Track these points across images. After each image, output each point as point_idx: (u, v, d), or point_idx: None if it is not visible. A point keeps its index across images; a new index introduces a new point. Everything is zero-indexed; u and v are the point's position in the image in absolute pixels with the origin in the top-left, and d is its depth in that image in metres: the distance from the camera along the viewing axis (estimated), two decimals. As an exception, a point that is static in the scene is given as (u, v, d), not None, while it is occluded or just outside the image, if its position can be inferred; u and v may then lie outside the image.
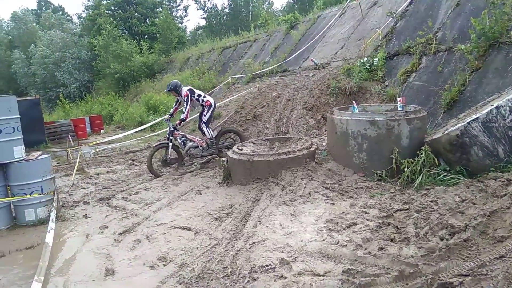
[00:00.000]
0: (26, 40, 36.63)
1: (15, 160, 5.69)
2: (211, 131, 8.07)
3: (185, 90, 7.94)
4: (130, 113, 18.60)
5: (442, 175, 4.99)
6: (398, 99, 6.61)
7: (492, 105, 4.67)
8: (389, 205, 4.70)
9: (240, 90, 11.78)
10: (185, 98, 7.83)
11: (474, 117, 4.70)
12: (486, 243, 3.27)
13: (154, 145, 8.80)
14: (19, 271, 4.23)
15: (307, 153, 6.21)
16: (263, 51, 17.28)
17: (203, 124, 7.98)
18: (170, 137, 8.05)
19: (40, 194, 5.74)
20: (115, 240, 4.81)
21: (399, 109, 6.57)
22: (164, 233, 4.82)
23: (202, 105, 8.05)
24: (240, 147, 6.86)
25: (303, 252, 3.85)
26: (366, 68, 9.58)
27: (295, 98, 9.36)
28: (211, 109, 7.99)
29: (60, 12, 47.13)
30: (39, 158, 5.94)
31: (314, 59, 11.92)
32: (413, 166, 5.38)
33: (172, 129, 8.07)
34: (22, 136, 5.85)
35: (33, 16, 42.53)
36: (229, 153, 6.64)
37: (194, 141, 8.02)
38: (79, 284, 3.78)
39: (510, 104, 4.54)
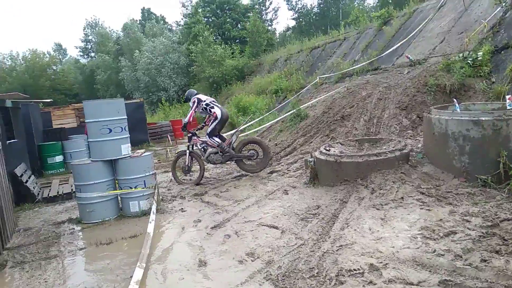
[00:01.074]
0: (132, 48, 40.59)
1: (123, 156, 6.34)
2: (218, 140, 7.92)
3: (193, 98, 8.04)
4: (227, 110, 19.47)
5: None
6: (507, 96, 5.92)
7: None
8: (494, 214, 4.25)
9: (328, 90, 11.60)
10: (191, 104, 8.01)
11: None
12: None
13: (176, 152, 8.96)
14: (123, 257, 4.71)
15: (399, 155, 5.90)
16: (353, 50, 16.79)
17: (207, 135, 7.95)
18: (189, 144, 8.17)
19: (143, 188, 6.32)
20: (207, 233, 5.09)
21: (508, 107, 5.89)
22: (252, 230, 4.97)
23: (210, 115, 7.98)
24: (328, 148, 6.76)
25: (395, 259, 3.66)
26: (469, 63, 8.74)
27: (387, 97, 8.93)
28: (216, 121, 7.83)
29: (162, 22, 51.32)
30: (143, 155, 6.55)
31: (409, 56, 11.24)
32: (526, 172, 4.78)
33: (190, 135, 8.19)
34: (129, 135, 6.50)
35: (139, 26, 47.00)
36: (316, 153, 6.59)
37: (214, 147, 7.93)
38: (175, 272, 4.07)
39: None
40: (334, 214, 5.11)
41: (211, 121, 7.91)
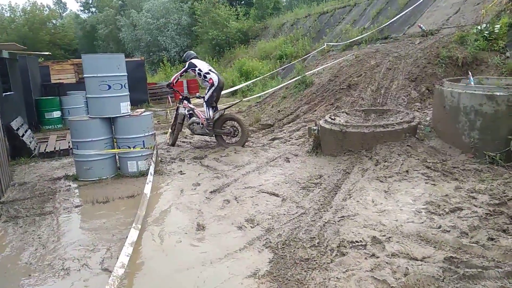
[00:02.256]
0: (136, 5, 39.28)
1: (122, 115, 6.15)
2: (212, 112, 7.53)
3: (188, 61, 7.66)
4: (223, 78, 19.09)
5: None
6: (525, 72, 5.67)
7: None
8: (502, 192, 4.13)
9: (335, 57, 11.24)
10: (183, 68, 7.74)
11: None
12: None
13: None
14: (120, 217, 4.62)
15: (407, 127, 5.71)
16: (363, 17, 16.22)
17: (204, 103, 7.58)
18: (179, 104, 8.02)
19: (142, 148, 6.17)
20: (206, 197, 4.99)
21: (525, 83, 5.66)
22: (252, 196, 4.86)
23: (206, 81, 7.53)
24: (333, 117, 6.57)
25: (398, 233, 3.56)
26: (484, 36, 8.39)
27: (397, 68, 8.63)
28: (213, 88, 7.40)
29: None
30: (142, 114, 6.35)
31: (421, 25, 10.80)
32: (538, 151, 4.63)
33: (182, 98, 8.04)
34: (129, 93, 6.27)
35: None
36: (321, 122, 6.40)
37: (199, 117, 7.67)
38: (173, 235, 3.99)
39: None
40: (337, 184, 5.00)
41: (208, 88, 7.51)
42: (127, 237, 3.58)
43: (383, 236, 3.53)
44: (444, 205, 4.03)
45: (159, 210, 4.72)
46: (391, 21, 13.30)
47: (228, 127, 7.61)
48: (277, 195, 4.83)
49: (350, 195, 4.59)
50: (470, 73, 5.97)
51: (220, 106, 7.86)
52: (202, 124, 7.64)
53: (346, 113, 6.89)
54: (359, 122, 6.33)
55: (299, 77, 9.97)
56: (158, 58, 32.45)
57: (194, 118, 7.80)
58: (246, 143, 7.40)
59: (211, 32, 26.97)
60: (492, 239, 3.22)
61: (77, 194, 5.58)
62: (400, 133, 5.68)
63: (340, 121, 6.31)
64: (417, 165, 5.24)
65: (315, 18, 20.50)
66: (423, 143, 5.71)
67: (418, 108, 7.42)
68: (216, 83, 7.43)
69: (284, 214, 4.23)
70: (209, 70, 7.55)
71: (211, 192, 5.16)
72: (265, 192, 4.97)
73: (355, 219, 3.94)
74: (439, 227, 3.56)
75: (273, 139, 7.71)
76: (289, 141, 7.42)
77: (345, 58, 10.13)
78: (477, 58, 8.23)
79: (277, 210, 4.37)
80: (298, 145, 7.07)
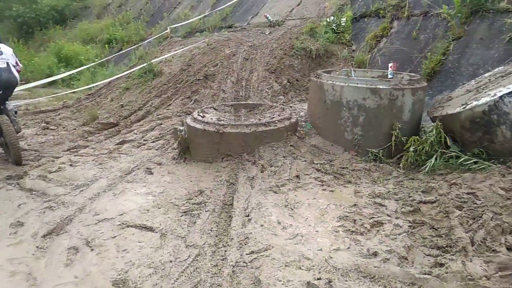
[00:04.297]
0: None
1: None
2: None
3: None
4: (36, 64, 15.46)
5: (461, 159, 4.19)
6: (390, 64, 5.70)
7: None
8: (408, 196, 3.80)
9: (185, 44, 10.03)
10: None
11: (507, 90, 3.92)
12: None
13: None
14: None
15: (289, 125, 5.05)
16: (201, 3, 15.32)
17: None
18: None
19: None
20: (37, 247, 3.25)
21: (389, 76, 5.68)
22: (114, 236, 3.38)
23: None
24: (201, 114, 5.45)
25: (332, 270, 2.76)
26: (333, 28, 8.55)
27: (254, 58, 8.04)
28: None
29: None
30: None
31: (268, 15, 10.57)
32: (419, 146, 4.54)
33: None
34: None
35: None
36: (188, 120, 5.20)
37: None
38: None
39: (552, 78, 3.82)
40: (225, 202, 3.94)
41: None
42: None
43: (317, 279, 2.66)
44: (360, 219, 3.44)
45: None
46: (233, 9, 12.82)
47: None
48: (151, 229, 3.47)
49: (248, 216, 3.60)
50: (351, 66, 5.69)
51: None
52: None
53: (215, 109, 5.86)
54: (232, 120, 5.37)
55: (145, 64, 8.40)
56: None
57: None
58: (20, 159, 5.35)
59: (16, 8, 21.90)
60: (442, 265, 2.70)
61: None
62: (283, 132, 4.99)
63: (212, 118, 5.23)
64: (305, 168, 4.62)
65: (147, 1, 18.62)
66: (304, 142, 5.15)
67: (284, 102, 6.95)
68: None
69: (171, 262, 2.96)
70: None
71: (44, 235, 3.43)
72: (131, 226, 3.54)
73: (271, 255, 2.97)
74: (374, 254, 2.91)
75: (122, 143, 6.09)
76: (144, 144, 5.94)
77: (196, 45, 9.03)
78: (327, 50, 8.29)
79: (158, 255, 3.05)
80: (157, 150, 5.68)
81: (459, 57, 6.64)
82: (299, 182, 4.32)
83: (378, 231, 3.23)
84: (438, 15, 7.49)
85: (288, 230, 3.33)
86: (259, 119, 5.20)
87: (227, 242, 3.18)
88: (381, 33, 8.16)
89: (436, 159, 4.33)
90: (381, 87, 4.72)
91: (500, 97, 3.91)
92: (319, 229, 3.34)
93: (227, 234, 3.32)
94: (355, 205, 3.71)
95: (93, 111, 7.74)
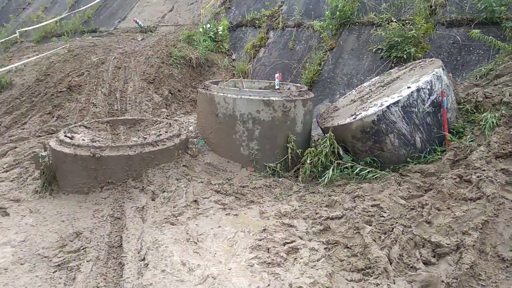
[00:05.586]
0: None
1: None
2: None
3: None
4: None
5: (357, 169, 4.25)
6: (276, 75, 5.61)
7: (409, 87, 4.16)
8: (315, 213, 3.65)
9: (39, 50, 8.50)
10: None
11: (393, 100, 4.10)
12: (492, 267, 2.58)
13: None
14: None
15: (179, 142, 4.51)
16: (56, 4, 13.52)
17: None
18: None
19: None
20: None
21: (276, 87, 5.60)
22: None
23: None
24: (69, 134, 4.51)
25: (258, 317, 2.36)
26: (210, 37, 8.24)
27: (128, 66, 7.20)
28: None
29: None
30: None
31: (138, 20, 9.74)
32: (315, 157, 4.50)
33: None
34: None
35: None
36: (53, 144, 4.24)
37: None
38: None
39: (429, 87, 4.12)
40: (112, 244, 3.23)
41: None
42: None
43: (244, 333, 2.23)
44: (273, 246, 3.13)
45: None
46: (96, 12, 11.56)
47: None
48: (11, 299, 2.57)
49: (144, 260, 2.97)
50: (241, 76, 5.38)
51: None
52: None
53: (86, 127, 4.93)
54: (113, 140, 4.58)
55: (-14, 74, 6.80)
56: None
57: None
58: None
59: None
60: (369, 290, 2.54)
61: None
62: (173, 150, 4.43)
63: (84, 140, 4.36)
64: (203, 190, 4.15)
65: (-16, -2, 15.66)
66: (198, 160, 4.68)
67: (167, 115, 6.33)
68: None
69: None
70: None
71: None
72: (-20, 298, 2.58)
73: (182, 310, 2.43)
74: (291, 287, 2.60)
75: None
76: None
77: (55, 52, 7.71)
78: (207, 59, 7.95)
79: None
80: (12, 181, 4.49)
81: (334, 67, 6.98)
82: (198, 208, 3.83)
83: (295, 259, 2.96)
84: (310, 26, 7.81)
85: (196, 273, 2.82)
86: (144, 138, 4.53)
87: (122, 301, 2.52)
88: (259, 43, 8.18)
89: (333, 170, 4.32)
90: (274, 99, 4.54)
91: (387, 106, 4.07)
92: (231, 266, 2.91)
93: (118, 287, 2.65)
94: (264, 229, 3.39)
95: None
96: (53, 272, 2.84)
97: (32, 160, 4.55)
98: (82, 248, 3.15)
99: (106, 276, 2.81)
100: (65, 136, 4.39)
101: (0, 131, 5.80)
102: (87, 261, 2.96)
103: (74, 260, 2.99)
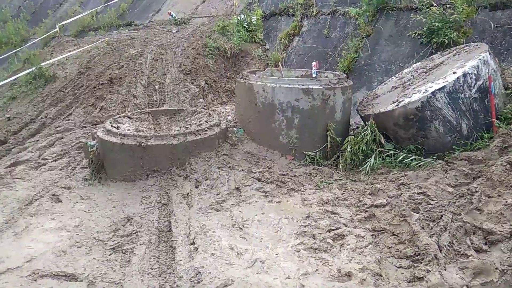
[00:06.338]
0: None
1: None
2: None
3: None
4: None
5: (400, 157, 4.20)
6: (313, 63, 5.59)
7: (455, 73, 4.06)
8: (358, 201, 3.64)
9: (79, 44, 8.81)
10: None
11: (438, 86, 4.01)
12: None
13: None
14: None
15: (220, 131, 4.60)
16: (92, -1, 13.88)
17: None
18: None
19: None
20: None
21: (313, 75, 5.58)
22: (24, 294, 2.58)
23: None
24: (115, 124, 4.69)
25: (310, 300, 2.42)
26: (244, 27, 8.27)
27: (165, 58, 7.36)
28: None
29: None
30: None
31: (172, 13, 9.88)
32: (355, 145, 4.47)
33: None
34: None
35: None
36: (100, 133, 4.42)
37: None
38: None
39: (475, 72, 4.00)
40: (161, 229, 3.36)
41: None
42: None
43: (297, 314, 2.29)
44: (318, 233, 3.16)
45: None
46: (131, 6, 11.81)
47: None
48: (74, 277, 2.74)
49: (194, 244, 3.08)
50: (279, 65, 5.42)
51: None
52: None
53: (129, 118, 5.11)
54: (155, 129, 4.73)
55: (33, 68, 7.12)
56: None
57: None
58: None
59: None
60: (420, 278, 2.54)
61: None
62: (214, 140, 4.52)
63: (129, 129, 4.52)
64: (244, 178, 4.23)
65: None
66: (238, 149, 4.75)
67: (204, 105, 6.45)
68: None
69: (111, 321, 2.32)
70: None
71: None
72: (47, 276, 2.76)
73: (232, 291, 2.52)
74: (348, 274, 2.64)
75: (14, 164, 4.98)
76: (44, 165, 4.91)
77: (94, 45, 7.97)
78: (242, 49, 8.00)
79: (91, 315, 2.38)
80: (62, 170, 4.73)
81: (371, 54, 6.86)
82: (241, 196, 3.92)
83: (341, 245, 2.99)
84: (345, 13, 7.70)
85: (244, 257, 2.91)
86: (186, 127, 4.64)
87: (175, 283, 2.63)
88: (293, 31, 8.13)
89: (374, 158, 4.29)
90: (313, 87, 4.54)
91: (432, 93, 3.99)
92: (279, 251, 2.98)
93: (173, 271, 2.77)
94: (308, 216, 3.43)
95: (-33, 127, 6.28)
96: (109, 255, 2.99)
97: (80, 149, 4.76)
98: (134, 232, 3.30)
99: (159, 258, 2.94)
100: (112, 126, 4.57)
101: (47, 122, 6.09)
102: (140, 245, 3.10)
103: (128, 243, 3.14)
